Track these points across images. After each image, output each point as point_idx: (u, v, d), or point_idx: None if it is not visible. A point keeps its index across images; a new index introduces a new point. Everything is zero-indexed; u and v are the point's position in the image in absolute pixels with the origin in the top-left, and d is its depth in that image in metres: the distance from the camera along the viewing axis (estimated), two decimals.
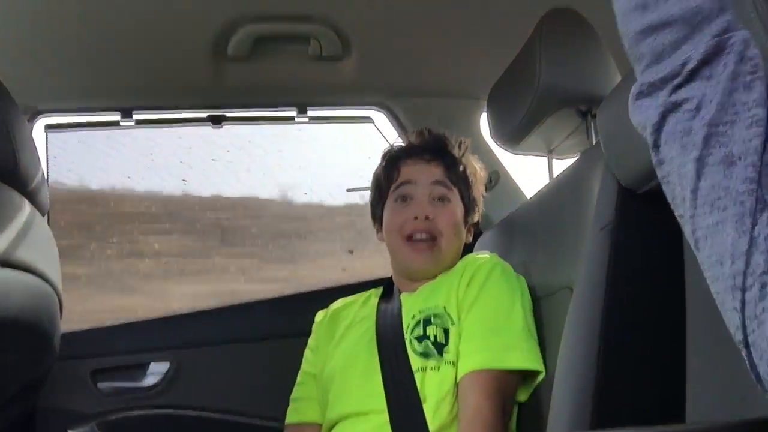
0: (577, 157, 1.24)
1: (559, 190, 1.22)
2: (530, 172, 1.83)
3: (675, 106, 0.59)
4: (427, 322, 1.17)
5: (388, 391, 1.13)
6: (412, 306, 1.22)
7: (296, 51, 1.54)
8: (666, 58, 0.60)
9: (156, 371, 1.58)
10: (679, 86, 0.59)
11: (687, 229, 0.59)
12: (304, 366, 1.35)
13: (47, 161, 1.69)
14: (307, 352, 1.36)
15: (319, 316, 1.38)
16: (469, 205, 1.30)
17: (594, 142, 1.22)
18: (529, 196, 1.51)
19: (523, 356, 1.12)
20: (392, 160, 1.32)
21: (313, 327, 1.38)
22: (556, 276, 1.13)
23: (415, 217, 1.23)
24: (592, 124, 1.25)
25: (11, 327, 1.04)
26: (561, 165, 1.40)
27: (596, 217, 0.96)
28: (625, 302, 0.91)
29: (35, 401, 1.45)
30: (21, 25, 1.38)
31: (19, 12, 1.35)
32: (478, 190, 1.34)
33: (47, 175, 1.50)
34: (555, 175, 1.35)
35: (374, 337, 1.21)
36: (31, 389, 1.30)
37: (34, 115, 1.64)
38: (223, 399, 1.57)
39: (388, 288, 1.34)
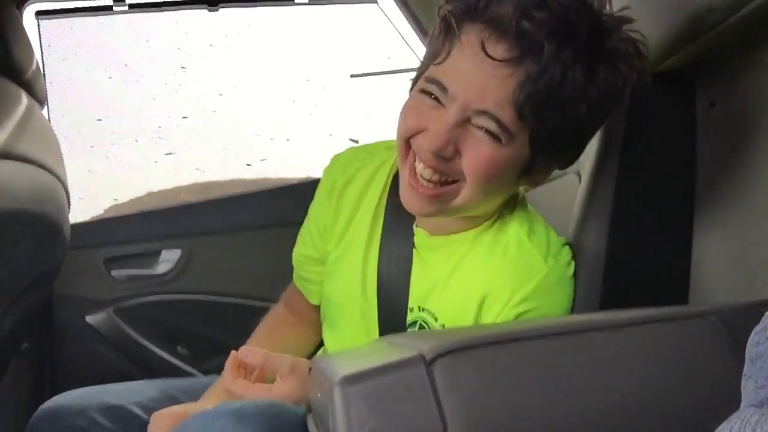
0: None
1: None
2: None
3: None
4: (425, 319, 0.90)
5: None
6: (431, 273, 0.89)
7: None
8: None
9: (168, 258, 1.61)
10: None
11: None
12: (306, 249, 1.04)
13: (41, 50, 1.63)
14: (310, 230, 1.02)
15: (328, 183, 0.98)
16: (545, 149, 0.78)
17: None
18: None
19: None
20: (449, 23, 0.76)
21: (322, 193, 0.99)
22: None
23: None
24: None
25: (20, 219, 1.05)
26: None
27: None
28: (637, 185, 0.90)
29: (52, 288, 1.49)
30: None
31: None
32: (592, 126, 0.80)
33: (42, 65, 1.45)
34: None
35: (375, 290, 0.92)
36: (47, 277, 1.33)
37: (23, 0, 1.57)
38: (231, 284, 1.61)
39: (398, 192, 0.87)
